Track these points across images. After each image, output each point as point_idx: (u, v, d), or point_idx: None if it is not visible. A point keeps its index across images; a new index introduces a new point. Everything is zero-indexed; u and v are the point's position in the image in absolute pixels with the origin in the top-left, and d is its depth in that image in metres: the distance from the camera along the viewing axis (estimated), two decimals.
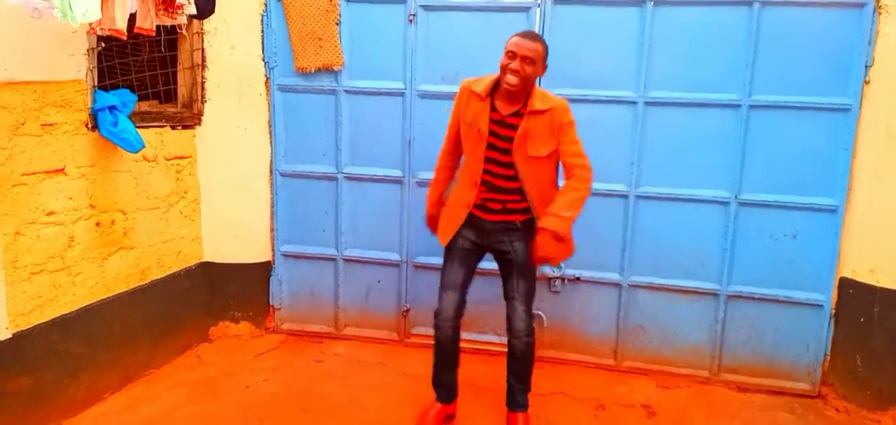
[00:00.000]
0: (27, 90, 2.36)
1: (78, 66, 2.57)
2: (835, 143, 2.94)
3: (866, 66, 2.85)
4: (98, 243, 2.75)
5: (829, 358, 3.09)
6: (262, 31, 3.34)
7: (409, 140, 3.32)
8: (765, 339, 3.14)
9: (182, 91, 3.28)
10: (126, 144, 2.67)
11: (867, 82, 2.86)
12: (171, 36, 3.13)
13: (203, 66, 3.30)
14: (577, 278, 3.28)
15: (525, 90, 2.34)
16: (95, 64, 2.67)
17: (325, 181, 3.48)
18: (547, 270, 3.29)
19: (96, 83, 2.68)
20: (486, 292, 3.23)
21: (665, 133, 3.08)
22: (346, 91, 3.36)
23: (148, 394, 2.90)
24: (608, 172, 3.15)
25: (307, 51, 3.30)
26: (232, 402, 2.85)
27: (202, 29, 3.24)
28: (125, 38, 2.44)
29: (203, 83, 3.32)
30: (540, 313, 3.34)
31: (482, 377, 3.15)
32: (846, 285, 2.99)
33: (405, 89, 3.29)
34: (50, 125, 2.48)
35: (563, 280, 3.29)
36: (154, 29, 2.58)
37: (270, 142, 3.47)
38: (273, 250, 3.59)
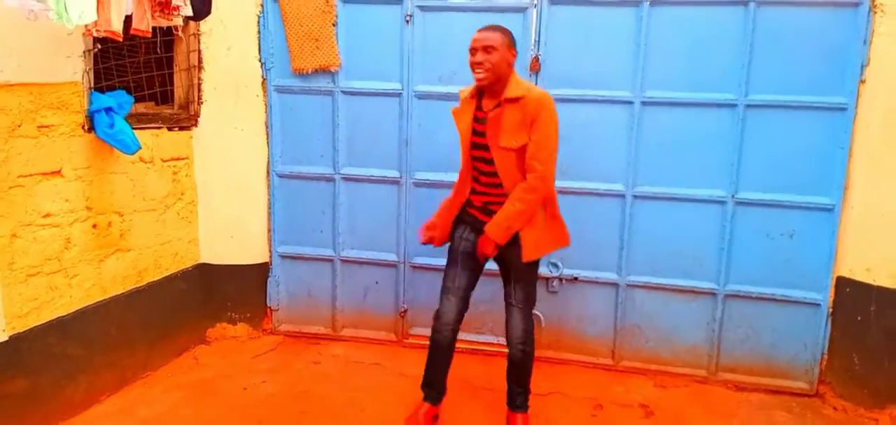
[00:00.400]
0: (23, 92, 2.36)
1: (74, 68, 2.57)
2: (831, 142, 2.95)
3: (862, 66, 2.86)
4: (95, 245, 2.75)
5: (826, 356, 3.09)
6: (259, 32, 3.33)
7: (407, 140, 3.32)
8: (762, 338, 3.15)
9: (178, 92, 3.28)
10: (122, 146, 2.66)
11: (863, 81, 2.87)
12: (167, 37, 3.13)
13: (199, 68, 3.30)
14: (575, 278, 3.28)
15: (499, 81, 2.28)
16: (91, 65, 2.67)
17: (322, 182, 3.47)
18: (545, 270, 3.29)
19: (92, 85, 2.68)
20: (483, 291, 3.22)
21: (662, 133, 3.09)
22: (343, 92, 3.35)
23: (145, 396, 2.89)
24: (605, 172, 3.16)
25: (304, 52, 3.30)
26: (229, 404, 2.85)
27: (198, 30, 3.24)
28: (121, 39, 2.43)
29: (199, 84, 3.32)
30: (538, 313, 3.34)
31: (478, 377, 3.15)
32: (843, 284, 2.99)
33: (402, 90, 3.29)
34: (46, 127, 2.47)
35: (560, 280, 3.30)
36: (150, 30, 2.58)
37: (267, 143, 3.47)
38: (270, 251, 3.58)
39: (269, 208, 3.54)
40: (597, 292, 3.28)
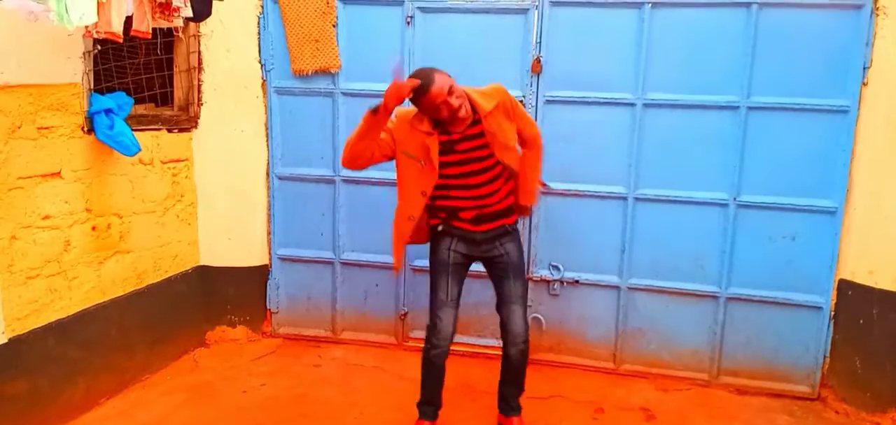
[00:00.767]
0: (23, 93, 2.35)
1: (74, 70, 2.57)
2: (833, 145, 2.93)
3: (864, 68, 2.84)
4: (94, 247, 2.74)
5: (828, 360, 3.08)
6: (259, 34, 3.33)
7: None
8: (764, 342, 3.13)
9: (178, 94, 3.27)
10: (122, 148, 2.66)
11: (865, 84, 2.86)
12: (167, 39, 3.12)
13: (199, 69, 3.29)
14: (576, 281, 3.27)
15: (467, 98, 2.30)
16: (91, 67, 2.66)
17: (322, 184, 3.46)
18: (546, 273, 3.28)
19: (92, 86, 2.67)
20: (484, 294, 3.21)
21: (663, 135, 3.07)
22: (344, 93, 3.35)
23: (144, 399, 2.88)
24: (606, 174, 3.15)
25: (304, 53, 3.30)
26: (229, 407, 2.84)
27: (198, 32, 3.24)
28: (121, 40, 2.43)
29: (199, 86, 3.31)
30: (539, 316, 3.33)
31: (479, 380, 3.14)
32: (845, 287, 2.98)
33: None
34: (46, 129, 2.46)
35: (561, 282, 3.28)
36: (150, 32, 2.57)
37: (267, 145, 3.46)
38: (270, 254, 3.57)
39: (269, 210, 3.53)
40: (598, 295, 3.27)
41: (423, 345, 2.52)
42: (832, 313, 3.04)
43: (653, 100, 3.06)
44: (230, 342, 3.53)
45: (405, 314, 3.50)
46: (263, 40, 3.33)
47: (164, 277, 3.18)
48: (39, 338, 2.48)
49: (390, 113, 2.23)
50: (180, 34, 3.08)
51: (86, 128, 2.63)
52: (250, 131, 3.42)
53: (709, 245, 3.11)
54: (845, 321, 2.99)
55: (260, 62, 3.36)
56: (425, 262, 3.36)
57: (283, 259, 3.57)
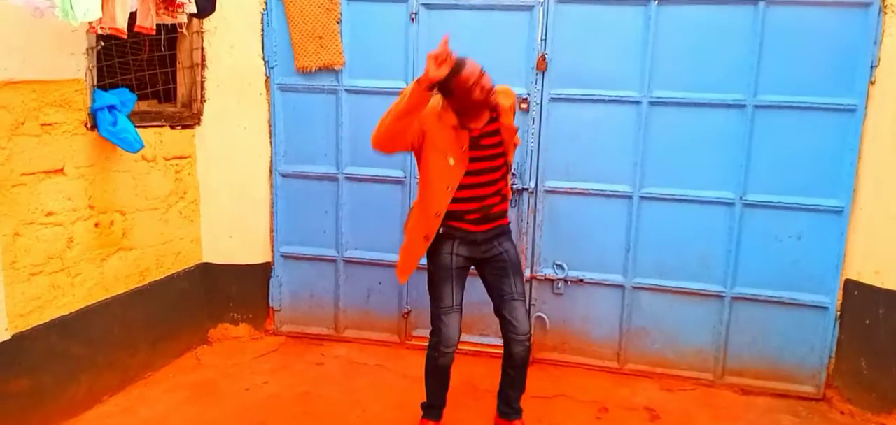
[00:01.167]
0: (26, 89, 2.34)
1: (77, 66, 2.56)
2: (840, 144, 2.92)
3: (872, 67, 2.83)
4: (97, 244, 2.73)
5: (833, 360, 3.06)
6: (263, 30, 3.31)
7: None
8: (769, 342, 3.12)
9: (181, 90, 3.26)
10: (125, 144, 2.65)
11: (873, 82, 2.84)
12: (170, 35, 3.11)
13: (203, 66, 3.28)
14: (581, 280, 3.26)
15: None
16: (95, 63, 2.65)
17: (325, 181, 3.45)
18: (550, 272, 3.27)
19: (95, 82, 2.66)
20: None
21: (669, 133, 3.06)
22: (347, 90, 3.33)
23: (147, 396, 2.88)
24: (612, 173, 3.14)
25: (308, 50, 3.28)
26: (231, 404, 2.83)
27: (202, 28, 3.22)
28: (125, 36, 2.42)
29: (203, 82, 3.30)
30: (542, 315, 3.32)
31: (482, 379, 3.13)
32: (851, 287, 2.97)
33: None
34: (49, 125, 2.46)
35: (566, 281, 3.27)
36: (154, 28, 2.56)
37: (270, 142, 3.44)
38: (273, 251, 3.56)
39: (272, 208, 3.52)
40: (602, 294, 3.26)
41: (427, 351, 2.49)
42: (838, 313, 3.03)
43: (659, 98, 3.04)
44: (233, 339, 3.53)
45: (408, 312, 3.49)
46: (267, 37, 3.32)
47: (166, 274, 3.17)
48: (42, 335, 2.47)
49: (432, 85, 2.08)
50: (184, 30, 3.07)
51: (89, 125, 2.62)
52: (253, 128, 3.41)
53: (714, 244, 3.10)
54: (851, 321, 2.98)
55: (263, 59, 3.35)
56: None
57: (286, 256, 3.56)
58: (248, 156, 3.43)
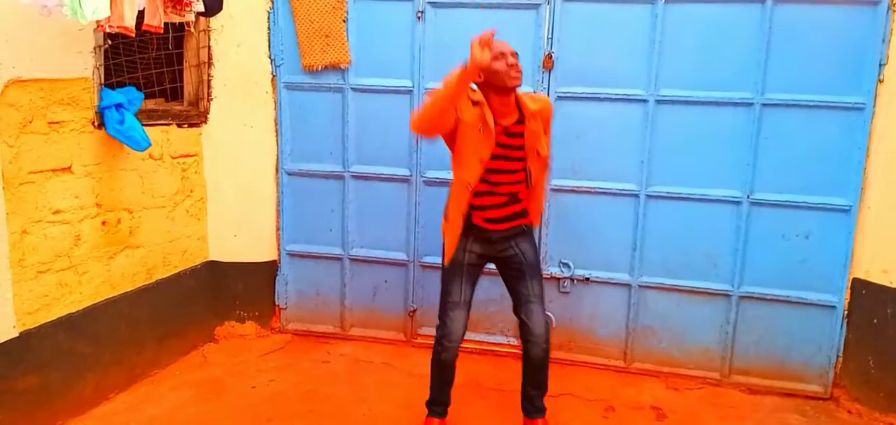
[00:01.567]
0: (34, 88, 2.35)
1: (84, 64, 2.56)
2: (848, 142, 2.90)
3: (880, 65, 2.82)
4: (104, 242, 2.74)
5: (841, 359, 3.05)
6: (269, 29, 3.32)
7: (417, 138, 3.29)
8: (776, 341, 3.11)
9: (188, 89, 3.27)
10: (132, 142, 2.65)
11: (881, 81, 2.83)
12: (177, 33, 3.12)
13: (209, 64, 3.28)
14: (587, 278, 3.25)
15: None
16: (102, 62, 2.65)
17: (331, 180, 3.45)
18: (556, 270, 3.27)
19: (103, 81, 2.66)
20: (493, 292, 3.21)
21: (676, 131, 3.05)
22: (354, 89, 3.33)
23: (154, 394, 2.88)
24: (618, 171, 3.13)
25: (314, 48, 3.28)
26: (238, 402, 2.83)
27: (209, 26, 3.23)
28: (133, 35, 2.42)
29: (209, 81, 3.30)
30: (549, 314, 3.31)
31: (488, 377, 3.13)
32: (859, 286, 2.95)
33: (413, 87, 3.26)
34: (57, 123, 2.46)
35: (572, 280, 3.27)
36: (162, 26, 2.56)
37: (277, 140, 3.45)
38: (279, 249, 3.57)
39: (278, 206, 3.52)
40: (609, 293, 3.25)
41: (433, 346, 2.49)
42: (845, 312, 3.01)
43: (665, 96, 3.03)
44: (239, 337, 3.53)
45: (414, 311, 3.48)
46: (273, 35, 3.32)
47: (173, 272, 3.18)
48: (50, 333, 2.48)
49: (478, 70, 2.10)
50: (191, 29, 3.07)
51: (96, 123, 2.63)
52: (260, 126, 3.41)
53: (721, 243, 3.09)
54: (859, 320, 2.97)
55: (270, 57, 3.35)
56: (435, 259, 3.37)
57: (292, 255, 3.57)
58: (254, 154, 3.43)
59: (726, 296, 3.12)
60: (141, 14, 2.43)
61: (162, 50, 3.08)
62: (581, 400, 2.97)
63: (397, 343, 3.52)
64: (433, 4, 3.18)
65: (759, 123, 2.96)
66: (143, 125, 2.71)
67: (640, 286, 3.20)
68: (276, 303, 3.61)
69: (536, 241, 2.56)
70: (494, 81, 2.22)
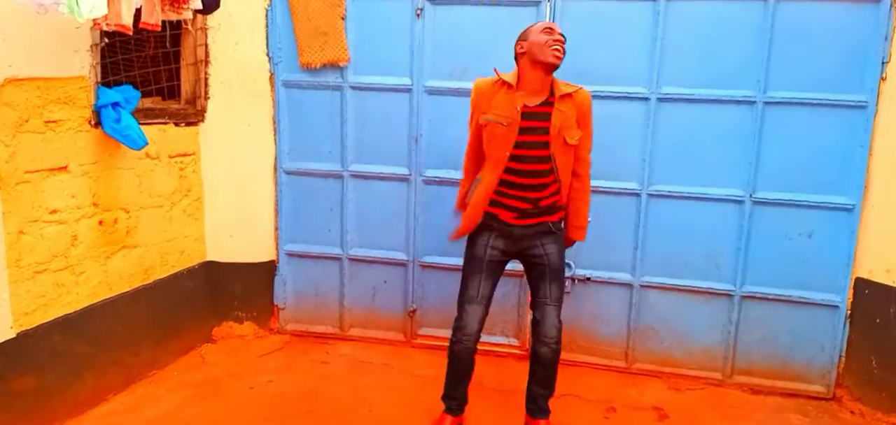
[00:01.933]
0: (31, 86, 2.32)
1: (81, 63, 2.54)
2: (851, 141, 2.89)
3: (883, 62, 2.80)
4: (101, 242, 2.72)
5: (843, 359, 3.04)
6: (267, 27, 3.29)
7: (417, 137, 3.27)
8: (779, 341, 3.09)
9: (185, 87, 3.24)
10: (129, 141, 2.63)
11: (884, 79, 2.81)
12: (174, 31, 3.10)
13: (207, 62, 3.26)
14: (588, 278, 3.23)
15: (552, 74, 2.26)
16: (99, 60, 2.63)
17: (330, 179, 3.43)
18: None
19: (99, 79, 2.64)
20: (495, 291, 3.17)
21: (678, 130, 3.03)
22: (352, 87, 3.31)
23: (152, 395, 2.86)
24: (620, 170, 3.11)
25: (312, 46, 3.26)
26: (236, 403, 2.81)
27: (206, 24, 3.20)
28: (131, 33, 2.40)
29: (207, 79, 3.28)
30: None
31: (489, 378, 3.11)
32: (862, 285, 2.94)
33: (412, 85, 3.24)
34: (53, 122, 2.44)
35: (573, 280, 3.24)
36: (159, 24, 2.54)
37: (275, 139, 3.42)
38: (277, 249, 3.54)
39: (277, 205, 3.50)
40: (610, 293, 3.23)
41: (450, 337, 2.47)
42: (848, 312, 3.00)
43: (667, 94, 3.01)
44: (237, 338, 3.51)
45: (414, 311, 3.46)
46: (271, 33, 3.30)
47: (170, 272, 3.15)
48: (47, 333, 2.46)
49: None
50: (188, 27, 3.05)
51: (93, 122, 2.61)
52: (258, 125, 3.38)
53: (723, 242, 3.07)
54: (861, 320, 2.95)
55: (268, 55, 3.33)
56: (434, 259, 3.36)
57: (291, 254, 3.54)
58: (252, 153, 3.41)
59: (728, 295, 3.10)
60: (138, 12, 2.41)
61: (159, 48, 3.05)
62: (582, 400, 2.96)
63: (397, 343, 3.50)
64: (432, 1, 3.16)
65: (762, 122, 2.94)
66: (139, 124, 2.69)
67: (641, 286, 3.18)
68: (275, 304, 3.59)
69: (563, 243, 2.47)
70: (534, 53, 2.20)
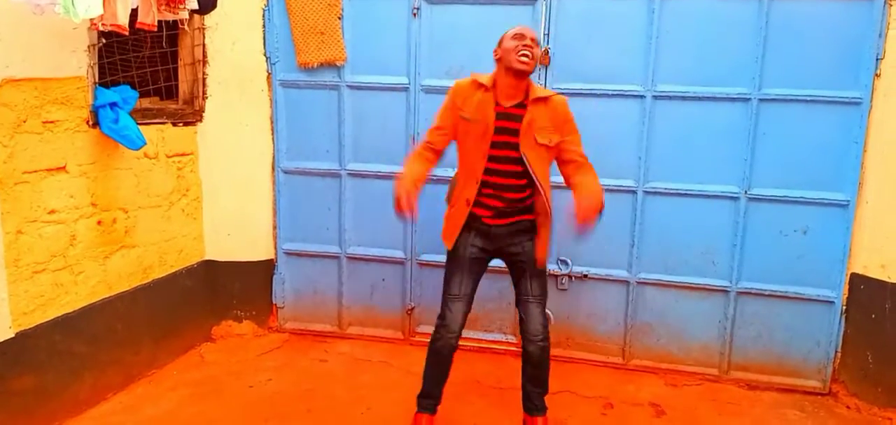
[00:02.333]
0: (28, 87, 2.33)
1: (79, 63, 2.54)
2: (845, 137, 2.90)
3: (877, 59, 2.81)
4: (100, 241, 2.72)
5: (839, 355, 3.05)
6: (264, 26, 3.30)
7: (414, 136, 3.28)
8: (775, 336, 3.11)
9: (183, 87, 3.25)
10: (127, 141, 2.64)
11: (878, 75, 2.82)
12: (171, 31, 3.10)
13: (204, 62, 3.27)
14: (585, 275, 3.25)
15: (528, 79, 2.29)
16: (96, 60, 2.64)
17: (328, 178, 3.44)
18: (554, 268, 3.26)
19: (97, 80, 2.65)
20: (491, 289, 3.20)
21: (674, 127, 3.04)
22: (349, 86, 3.32)
23: (151, 394, 2.87)
24: (616, 168, 3.12)
25: (309, 46, 3.27)
26: (235, 402, 2.82)
27: (203, 24, 3.21)
28: (127, 33, 2.40)
29: (204, 79, 3.29)
30: (547, 311, 3.30)
31: (487, 375, 3.12)
32: (857, 281, 2.95)
33: (409, 84, 3.25)
34: (51, 122, 2.45)
35: (570, 277, 3.26)
36: (155, 24, 2.55)
37: (272, 138, 3.43)
38: (276, 248, 3.56)
39: (275, 204, 3.51)
40: (607, 290, 3.25)
41: (431, 335, 2.49)
42: (844, 307, 3.01)
43: (663, 92, 3.03)
44: (236, 337, 3.52)
45: (412, 309, 3.48)
46: (268, 33, 3.31)
47: (169, 272, 3.16)
48: (46, 333, 2.47)
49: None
50: (185, 27, 3.05)
51: (91, 122, 2.61)
52: (255, 125, 3.39)
53: (719, 239, 3.09)
54: (857, 315, 2.96)
55: (265, 55, 3.33)
56: (432, 257, 3.37)
57: (289, 253, 3.56)
58: (250, 152, 3.42)
59: (724, 292, 3.11)
60: (134, 12, 2.42)
61: (156, 48, 3.06)
62: (580, 397, 2.97)
63: (395, 341, 3.51)
64: (429, 1, 3.17)
65: (757, 119, 2.96)
66: (137, 124, 2.70)
67: (638, 282, 3.20)
68: (274, 303, 3.60)
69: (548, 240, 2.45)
70: (505, 59, 2.24)
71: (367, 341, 3.52)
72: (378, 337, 3.53)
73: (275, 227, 3.53)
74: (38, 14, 2.12)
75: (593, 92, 3.09)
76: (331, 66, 3.30)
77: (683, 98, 3.02)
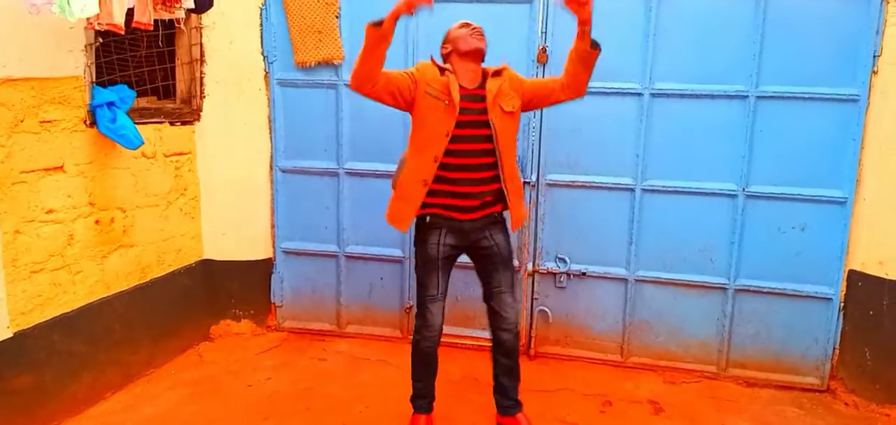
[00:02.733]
0: (25, 87, 2.33)
1: (76, 63, 2.54)
2: (843, 134, 2.90)
3: (874, 56, 2.81)
4: (98, 241, 2.72)
5: (837, 351, 3.05)
6: (261, 25, 3.30)
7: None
8: (773, 333, 3.11)
9: (180, 86, 3.25)
10: (125, 141, 2.64)
11: (875, 72, 2.82)
12: (168, 31, 3.10)
13: (202, 61, 3.27)
14: (583, 273, 3.25)
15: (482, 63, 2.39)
16: (93, 60, 2.64)
17: (326, 177, 3.44)
18: (552, 265, 3.26)
19: (94, 79, 2.65)
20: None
21: (671, 125, 3.04)
22: (347, 85, 3.31)
23: (150, 393, 2.88)
24: (614, 165, 3.12)
25: (307, 44, 3.27)
26: (234, 401, 2.83)
27: (200, 23, 3.21)
28: (123, 32, 2.40)
29: (202, 78, 3.28)
30: (545, 309, 3.31)
31: (485, 373, 3.08)
32: (855, 278, 2.95)
33: None
34: (48, 122, 2.45)
35: (568, 275, 3.26)
36: (152, 23, 2.55)
37: (270, 137, 3.43)
38: (274, 247, 3.56)
39: (273, 203, 3.51)
40: (605, 287, 3.25)
41: (412, 337, 2.48)
42: (842, 304, 3.01)
43: (660, 89, 3.03)
44: (235, 336, 3.52)
45: (410, 307, 3.48)
46: (266, 32, 3.30)
47: (167, 271, 3.17)
48: (44, 333, 2.47)
49: (395, 19, 2.18)
50: (182, 26, 3.05)
51: (88, 122, 2.62)
52: (253, 124, 3.39)
53: (717, 236, 3.09)
54: (855, 312, 2.97)
55: (262, 54, 3.33)
56: None
57: (287, 252, 3.56)
58: (248, 151, 3.42)
59: (722, 289, 3.12)
60: (130, 11, 2.42)
61: (154, 47, 3.06)
62: (578, 394, 2.97)
63: (394, 340, 3.51)
64: None
65: (754, 116, 2.96)
66: (135, 123, 2.70)
67: (636, 280, 3.20)
68: (272, 301, 3.60)
69: (509, 232, 2.48)
70: (459, 46, 2.33)
71: (365, 340, 3.53)
72: (376, 336, 3.53)
73: (273, 226, 3.53)
74: (34, 13, 2.12)
75: (591, 89, 3.04)
76: (328, 64, 3.30)
77: (681, 95, 3.02)
